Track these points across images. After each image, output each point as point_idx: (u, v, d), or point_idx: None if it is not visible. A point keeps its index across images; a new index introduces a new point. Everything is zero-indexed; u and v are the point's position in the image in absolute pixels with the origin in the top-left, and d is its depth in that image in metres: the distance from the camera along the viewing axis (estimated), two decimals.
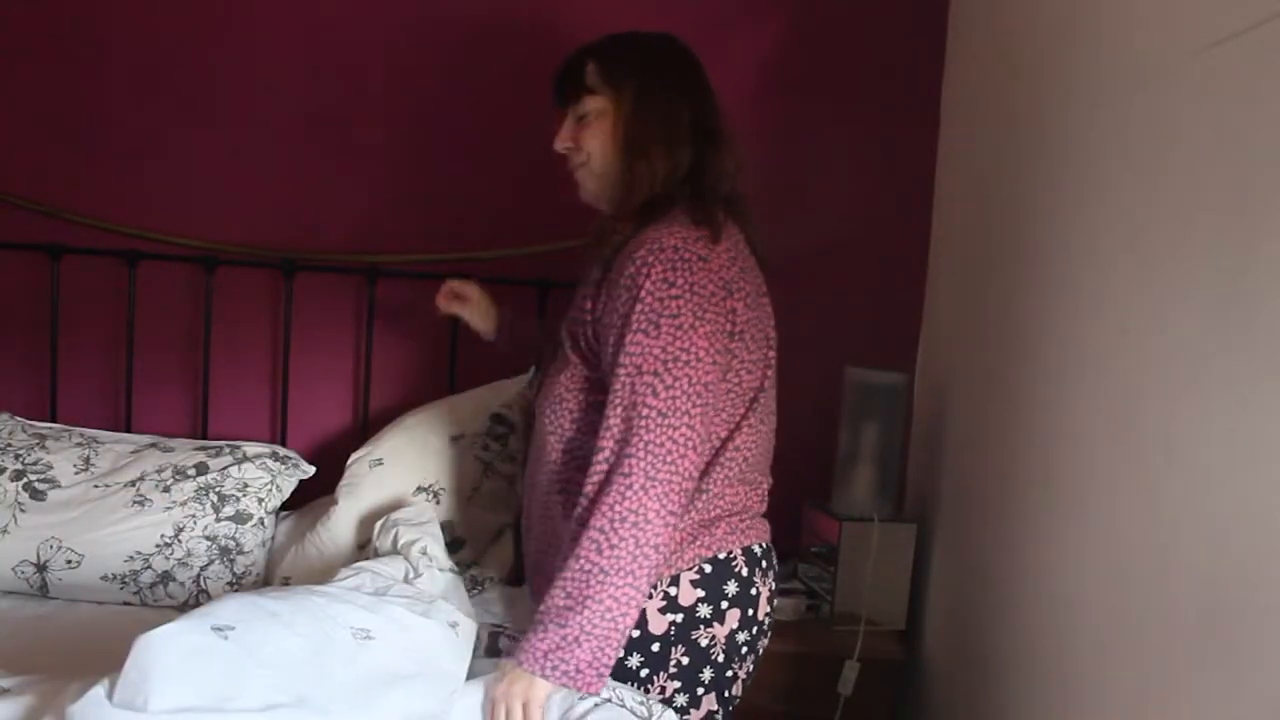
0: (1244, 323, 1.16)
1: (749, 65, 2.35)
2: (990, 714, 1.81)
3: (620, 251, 1.49)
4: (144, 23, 2.34)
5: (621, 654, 1.49)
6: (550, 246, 2.32)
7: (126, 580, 1.97)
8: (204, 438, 2.33)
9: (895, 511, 2.24)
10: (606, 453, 1.42)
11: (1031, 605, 1.69)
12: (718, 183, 1.56)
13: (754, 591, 1.56)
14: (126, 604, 1.99)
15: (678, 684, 1.52)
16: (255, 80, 2.35)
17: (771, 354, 1.59)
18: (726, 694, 1.56)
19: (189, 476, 2.06)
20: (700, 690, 1.53)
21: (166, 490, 2.03)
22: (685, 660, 1.52)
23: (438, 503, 2.02)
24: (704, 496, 1.52)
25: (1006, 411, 1.84)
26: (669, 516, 1.40)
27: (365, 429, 2.34)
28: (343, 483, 2.05)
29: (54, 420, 2.31)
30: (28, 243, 2.33)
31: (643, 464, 1.38)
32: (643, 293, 1.42)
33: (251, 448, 2.15)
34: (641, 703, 1.41)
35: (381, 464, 2.04)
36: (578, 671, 1.37)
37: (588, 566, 1.37)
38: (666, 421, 1.39)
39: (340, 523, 2.00)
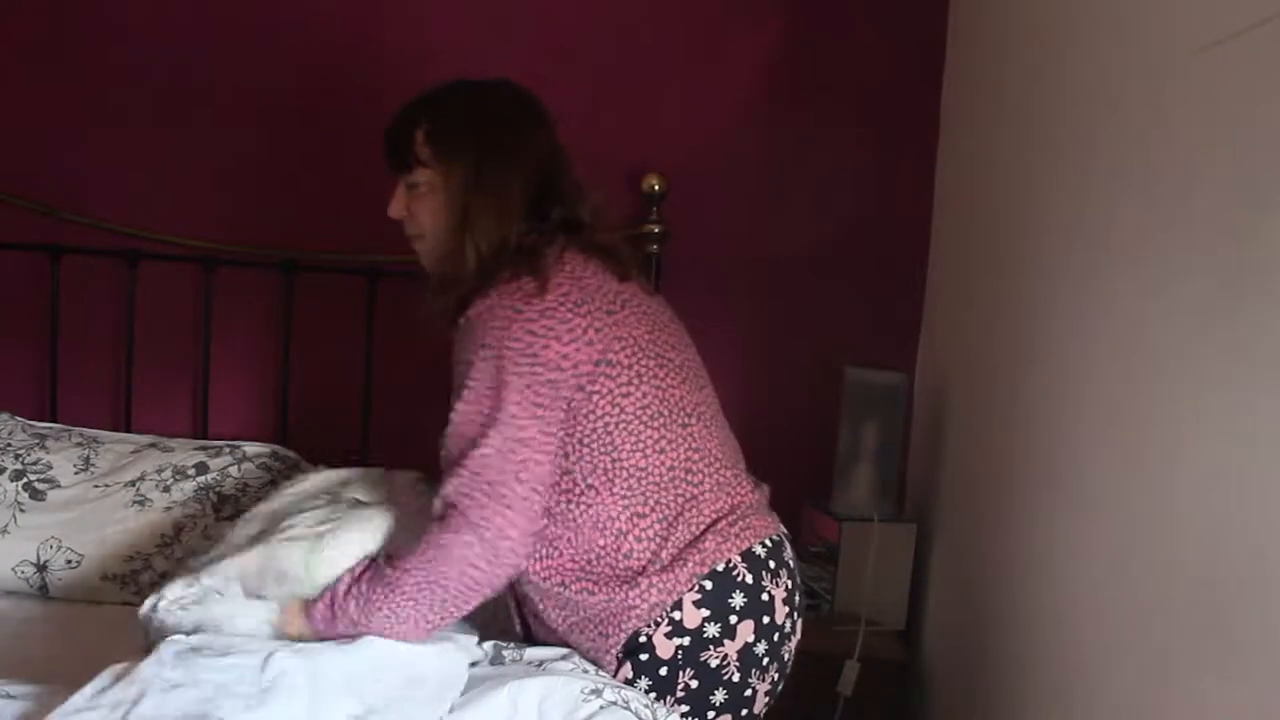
0: (1245, 322, 1.16)
1: (749, 66, 2.35)
2: (990, 713, 1.81)
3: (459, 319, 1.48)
4: (144, 23, 2.34)
5: (630, 675, 1.46)
6: None
7: (126, 580, 1.97)
8: (204, 438, 2.33)
9: (895, 511, 2.24)
10: (438, 508, 1.42)
11: (1032, 605, 1.69)
12: (557, 225, 1.52)
13: (765, 596, 1.49)
14: (127, 604, 1.98)
15: (685, 708, 1.46)
16: (256, 80, 2.35)
17: (647, 363, 1.49)
18: (745, 712, 1.51)
19: (189, 476, 2.06)
20: (711, 713, 1.48)
21: (166, 490, 2.03)
22: (694, 684, 1.46)
23: None
24: (678, 524, 1.46)
25: (1006, 411, 1.84)
26: (496, 572, 1.40)
27: (366, 429, 2.34)
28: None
29: (54, 420, 2.31)
30: (28, 243, 2.33)
31: (465, 521, 1.38)
32: (463, 361, 1.43)
33: (251, 448, 2.15)
34: (646, 705, 1.41)
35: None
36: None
37: (389, 585, 1.40)
38: (482, 482, 1.38)
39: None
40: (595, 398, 1.44)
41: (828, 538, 2.20)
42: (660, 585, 1.44)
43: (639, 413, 1.46)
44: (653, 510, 1.46)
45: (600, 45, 2.33)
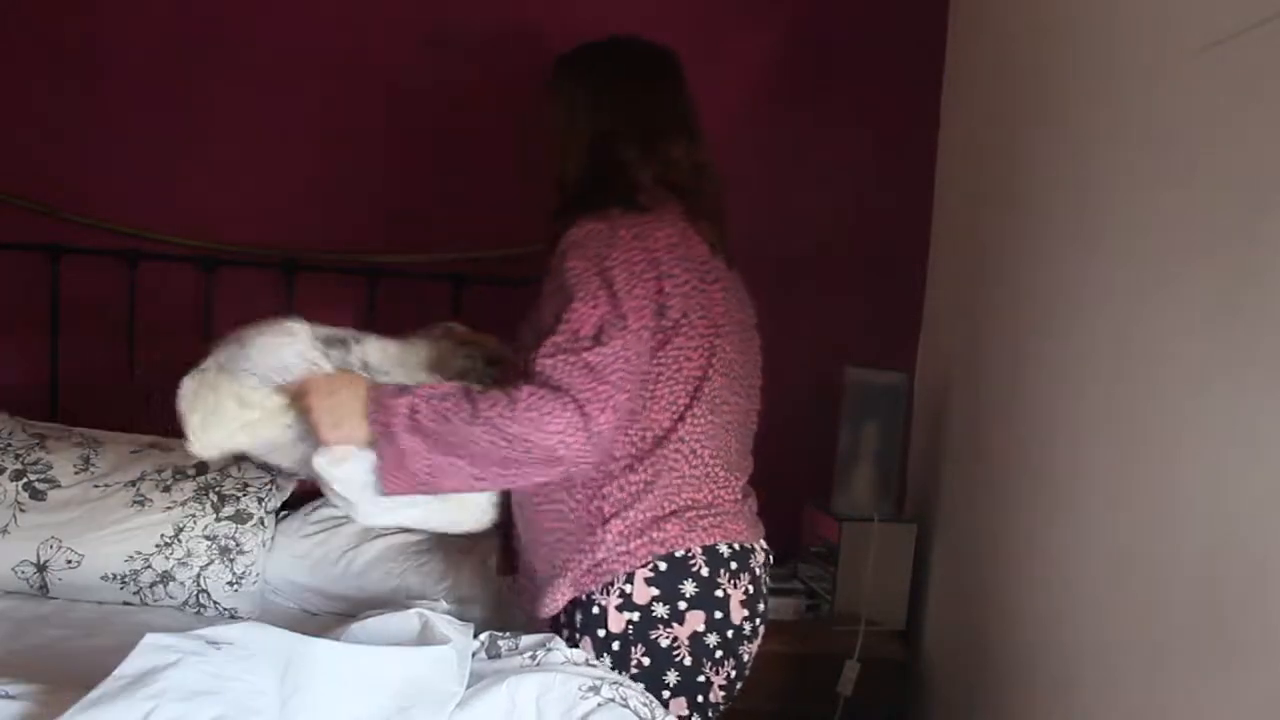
0: (1244, 322, 1.16)
1: (749, 65, 2.35)
2: (990, 713, 1.81)
3: (555, 246, 1.54)
4: (144, 23, 2.34)
5: (592, 654, 1.51)
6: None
7: (127, 580, 1.97)
8: None
9: (895, 511, 2.24)
10: (529, 376, 1.44)
11: (1032, 605, 1.69)
12: (665, 173, 1.59)
13: (719, 593, 1.52)
14: (127, 604, 1.99)
15: (640, 685, 1.48)
16: (256, 80, 2.35)
17: (720, 342, 1.56)
18: (701, 699, 1.53)
19: (189, 476, 2.06)
20: (665, 693, 1.51)
21: (166, 490, 2.03)
22: (646, 661, 1.51)
23: None
24: (654, 490, 1.51)
25: (1006, 411, 1.84)
26: (554, 458, 1.42)
27: None
28: None
29: (54, 420, 2.31)
30: (28, 243, 2.33)
31: (560, 398, 1.40)
32: (576, 268, 1.46)
33: None
34: (645, 704, 1.41)
35: None
36: (387, 458, 1.44)
37: (474, 413, 1.42)
38: (594, 374, 1.41)
39: None
40: (668, 347, 1.51)
41: (828, 538, 2.20)
42: (612, 542, 1.50)
43: (685, 381, 1.52)
44: (645, 470, 1.51)
45: None
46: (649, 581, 1.50)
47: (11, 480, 2.02)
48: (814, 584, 2.23)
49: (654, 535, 1.50)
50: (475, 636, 1.54)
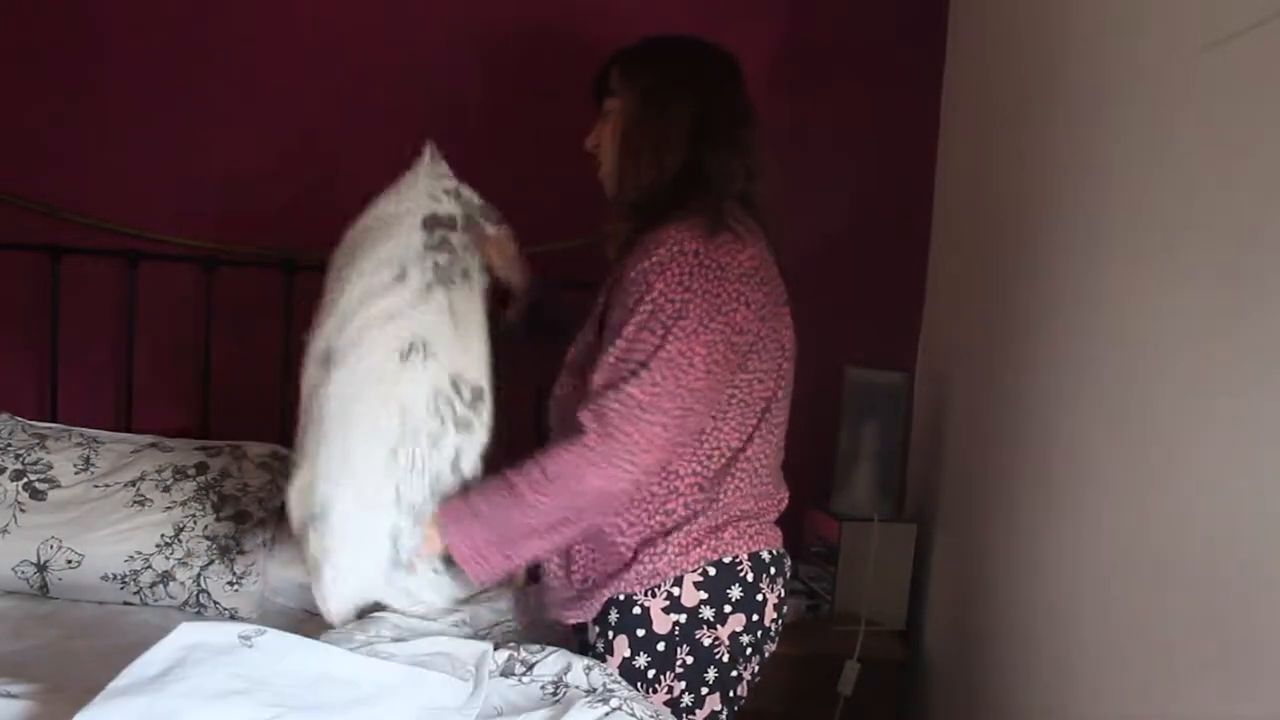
0: (1245, 322, 1.16)
1: (749, 64, 2.32)
2: (990, 713, 1.81)
3: (634, 248, 1.50)
4: (144, 23, 2.34)
5: (629, 653, 1.52)
6: (554, 245, 2.31)
7: (127, 580, 1.97)
8: (204, 438, 2.33)
9: (895, 511, 2.24)
10: (578, 423, 1.44)
11: (1031, 605, 1.69)
12: (726, 184, 1.55)
13: (760, 597, 1.55)
14: (127, 604, 1.99)
15: (683, 684, 1.52)
16: (256, 80, 2.35)
17: (786, 365, 1.60)
18: (731, 694, 1.57)
19: (189, 476, 2.06)
20: (705, 690, 1.54)
21: (166, 490, 2.03)
22: (690, 660, 1.52)
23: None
24: (716, 504, 1.53)
25: (1006, 411, 1.84)
26: (607, 500, 1.45)
27: None
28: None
29: (54, 420, 2.31)
30: (28, 243, 2.33)
31: (605, 445, 1.41)
32: (655, 291, 1.44)
33: (251, 448, 2.15)
34: (653, 715, 1.41)
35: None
36: (470, 552, 1.48)
37: (516, 495, 1.44)
38: (644, 415, 1.41)
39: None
40: (742, 372, 1.51)
41: (828, 538, 2.20)
42: (673, 553, 1.51)
43: (755, 402, 1.54)
44: (711, 488, 1.52)
45: (599, 45, 2.32)
46: (698, 585, 1.52)
47: (11, 480, 2.02)
48: (814, 584, 2.23)
49: (710, 544, 1.52)
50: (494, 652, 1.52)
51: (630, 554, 1.52)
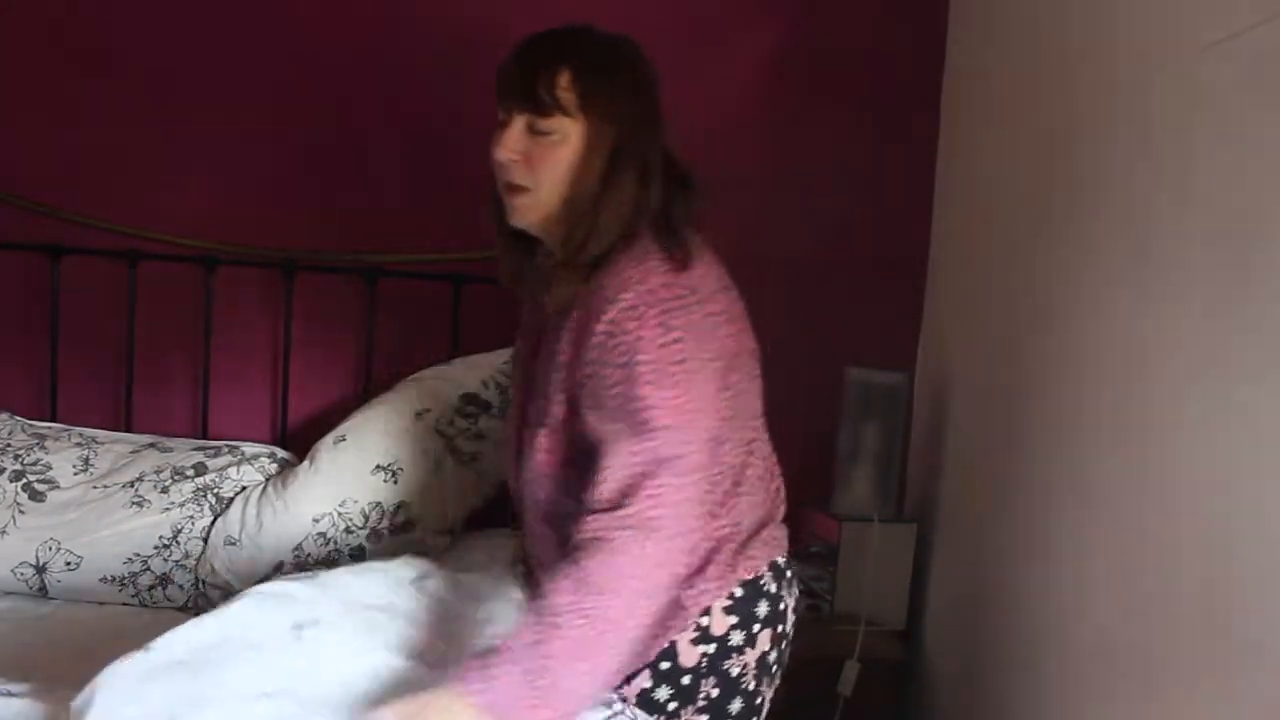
0: (1245, 322, 1.16)
1: (749, 65, 2.35)
2: (990, 714, 1.81)
3: (591, 291, 1.34)
4: (144, 23, 2.34)
5: (649, 684, 1.42)
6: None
7: (125, 582, 1.97)
8: (204, 438, 2.33)
9: (895, 511, 2.24)
10: (606, 502, 1.26)
11: (1032, 605, 1.69)
12: (685, 212, 1.40)
13: (782, 606, 1.49)
14: (126, 605, 1.98)
15: (705, 717, 1.44)
16: (256, 80, 2.35)
17: (757, 367, 1.47)
18: (755, 719, 1.50)
19: (187, 477, 2.05)
20: None
21: (165, 491, 2.03)
22: (715, 692, 1.44)
23: (395, 482, 1.98)
24: (738, 528, 1.43)
25: (1006, 411, 1.84)
26: (669, 571, 1.28)
27: None
28: (306, 460, 2.05)
29: (54, 420, 2.31)
30: (28, 243, 2.33)
31: (653, 515, 1.24)
32: (642, 342, 1.27)
33: (250, 448, 2.15)
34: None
35: (344, 441, 2.03)
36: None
37: (572, 630, 1.19)
38: (682, 480, 1.26)
39: (296, 494, 1.98)
40: (729, 390, 1.36)
41: (828, 538, 2.20)
42: (701, 587, 1.40)
43: (747, 414, 1.43)
44: (726, 514, 1.42)
45: None
46: (727, 610, 1.43)
47: (11, 481, 2.02)
48: (814, 584, 2.23)
49: (743, 565, 1.43)
50: None
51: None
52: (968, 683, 1.94)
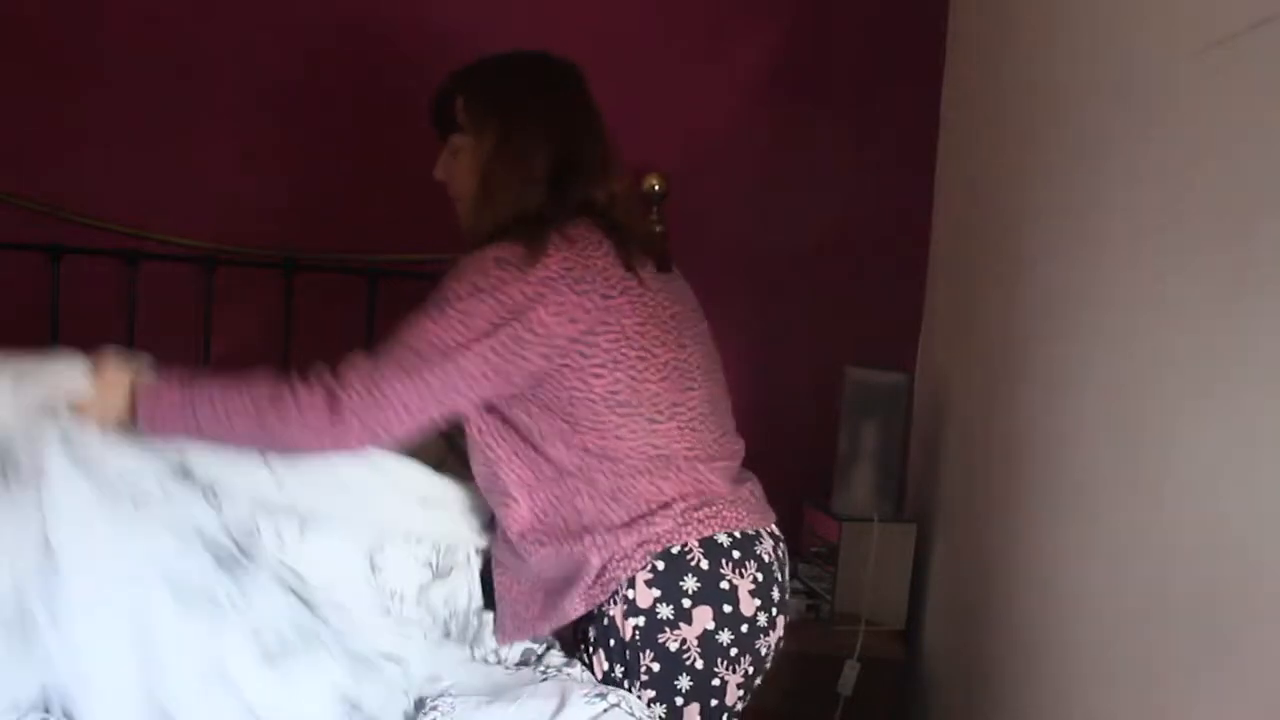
0: (1244, 322, 1.16)
1: (749, 65, 2.35)
2: (990, 714, 1.81)
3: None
4: (144, 23, 2.34)
5: (607, 666, 1.50)
6: None
7: None
8: None
9: (895, 511, 2.24)
10: (356, 368, 1.45)
11: (1032, 605, 1.69)
12: (581, 202, 1.54)
13: (725, 585, 1.46)
14: None
15: (652, 693, 1.46)
16: (256, 80, 2.35)
17: (656, 351, 1.50)
18: (716, 703, 1.48)
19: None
20: (679, 700, 1.47)
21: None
22: (656, 667, 1.46)
23: None
24: (624, 500, 1.48)
25: (1006, 411, 1.84)
26: (331, 447, 1.48)
27: None
28: None
29: None
30: (28, 243, 2.33)
31: (363, 404, 1.43)
32: (447, 288, 1.46)
33: None
34: (650, 716, 1.41)
35: None
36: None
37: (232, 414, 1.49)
38: (399, 383, 1.43)
39: None
40: (565, 370, 1.46)
41: (828, 538, 2.20)
42: (607, 544, 1.46)
43: (606, 397, 1.47)
44: (605, 480, 1.48)
45: (600, 45, 2.32)
46: (649, 583, 1.45)
47: None
48: (814, 584, 2.23)
49: (642, 531, 1.46)
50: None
51: (567, 562, 1.50)
52: (967, 682, 1.94)
